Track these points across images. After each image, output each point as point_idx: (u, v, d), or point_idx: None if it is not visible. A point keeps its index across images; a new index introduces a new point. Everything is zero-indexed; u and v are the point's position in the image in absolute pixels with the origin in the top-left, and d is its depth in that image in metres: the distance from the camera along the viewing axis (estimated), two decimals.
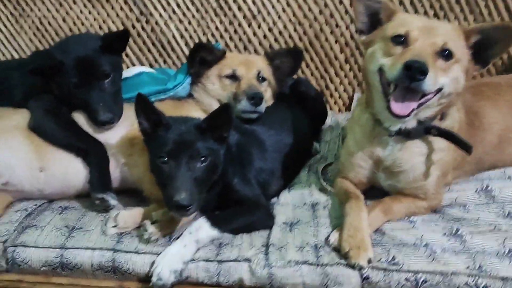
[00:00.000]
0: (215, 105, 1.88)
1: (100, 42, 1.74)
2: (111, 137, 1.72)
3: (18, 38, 2.49)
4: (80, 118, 1.75)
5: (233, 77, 1.87)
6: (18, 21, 2.45)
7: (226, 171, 1.56)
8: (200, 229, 1.43)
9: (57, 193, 1.69)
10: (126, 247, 1.45)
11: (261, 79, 1.91)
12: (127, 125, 1.74)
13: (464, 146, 1.51)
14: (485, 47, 1.47)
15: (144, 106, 1.47)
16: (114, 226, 1.50)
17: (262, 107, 1.81)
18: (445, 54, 1.40)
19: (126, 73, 1.96)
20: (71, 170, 1.66)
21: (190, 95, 1.93)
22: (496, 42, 1.45)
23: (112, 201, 1.60)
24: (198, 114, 1.85)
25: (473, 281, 1.32)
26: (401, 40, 1.42)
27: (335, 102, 2.51)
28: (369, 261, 1.36)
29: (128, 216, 1.52)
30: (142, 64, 2.44)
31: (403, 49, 1.40)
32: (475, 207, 1.62)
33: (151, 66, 2.42)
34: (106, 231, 1.50)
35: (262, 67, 1.93)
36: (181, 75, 1.90)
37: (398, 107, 1.38)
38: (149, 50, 2.48)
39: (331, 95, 2.49)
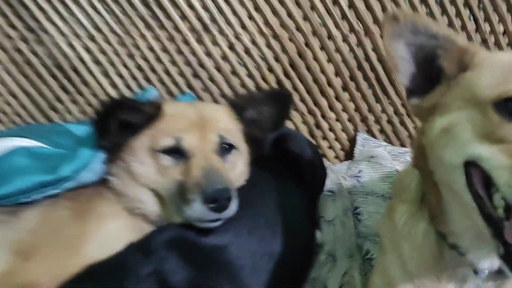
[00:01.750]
0: (149, 203, 1.09)
1: None
2: None
3: None
4: None
5: (177, 152, 1.07)
6: None
7: None
8: None
9: None
10: None
11: (224, 149, 1.12)
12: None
13: None
14: None
15: None
16: None
17: (231, 210, 1.02)
18: None
19: None
20: None
21: (103, 184, 1.11)
22: None
23: None
24: (118, 222, 1.05)
25: None
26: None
27: (330, 146, 1.75)
28: None
29: None
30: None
31: None
32: None
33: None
34: None
35: (225, 127, 1.14)
36: (85, 150, 1.09)
37: None
38: (49, 89, 1.62)
39: (324, 137, 1.73)
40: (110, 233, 1.02)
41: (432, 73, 0.83)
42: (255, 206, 1.13)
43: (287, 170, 1.30)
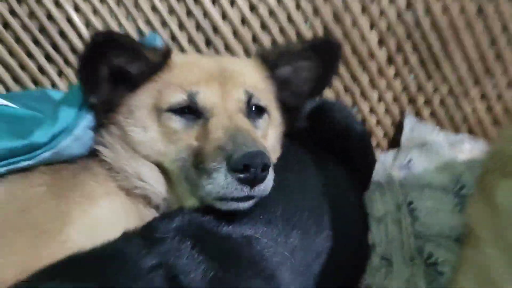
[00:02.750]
0: (155, 179, 0.81)
1: None
2: None
3: None
4: None
5: (190, 111, 0.80)
6: None
7: None
8: None
9: None
10: None
11: (254, 111, 0.84)
12: None
13: None
14: None
15: None
16: None
17: (267, 184, 0.74)
18: None
19: None
20: None
21: (93, 154, 0.84)
22: None
23: None
24: (116, 206, 0.78)
25: None
26: None
27: (370, 132, 1.46)
28: None
29: None
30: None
31: None
32: None
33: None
34: None
35: (254, 85, 0.86)
36: (69, 110, 0.82)
37: None
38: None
39: (363, 120, 1.44)
40: (100, 218, 0.74)
41: None
42: (294, 192, 0.85)
43: (329, 149, 1.02)
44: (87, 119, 0.82)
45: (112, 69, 0.79)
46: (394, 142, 1.44)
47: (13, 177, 0.79)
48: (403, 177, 1.27)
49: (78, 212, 0.73)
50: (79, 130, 0.81)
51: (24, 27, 1.32)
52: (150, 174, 0.80)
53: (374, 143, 1.46)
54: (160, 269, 0.61)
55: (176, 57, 0.86)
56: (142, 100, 0.81)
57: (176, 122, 0.79)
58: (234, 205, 0.72)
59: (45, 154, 0.80)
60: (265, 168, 0.69)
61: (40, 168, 0.81)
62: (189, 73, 0.82)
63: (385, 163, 1.34)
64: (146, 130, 0.80)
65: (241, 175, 0.68)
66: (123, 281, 0.60)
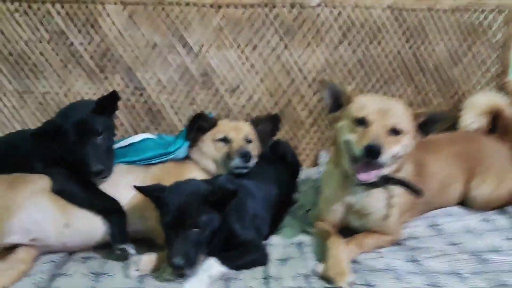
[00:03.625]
0: (211, 165, 2.26)
1: (93, 106, 2.03)
2: (125, 195, 2.00)
3: (22, 112, 2.75)
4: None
5: (225, 140, 2.25)
6: (22, 96, 2.73)
7: (228, 220, 1.87)
8: (212, 267, 1.73)
9: (79, 246, 1.93)
10: (149, 286, 1.71)
11: (248, 141, 2.30)
12: (138, 183, 2.04)
13: (415, 192, 1.93)
14: (429, 123, 1.93)
15: (143, 191, 1.81)
16: (137, 270, 1.76)
17: (252, 163, 2.20)
18: (396, 131, 1.82)
19: (133, 139, 2.31)
20: (92, 225, 1.92)
21: (188, 157, 2.27)
22: (438, 122, 1.94)
23: (131, 250, 1.86)
24: (197, 173, 2.19)
25: None
26: (361, 121, 1.82)
27: (304, 160, 2.92)
28: (350, 284, 1.70)
29: (148, 260, 1.79)
30: (136, 131, 2.77)
31: (364, 130, 1.80)
32: (427, 238, 2.04)
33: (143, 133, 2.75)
34: (129, 275, 1.75)
35: (248, 131, 2.33)
36: (180, 140, 2.25)
37: (363, 176, 1.80)
38: (142, 120, 2.82)
39: (300, 154, 2.90)
40: (195, 175, 2.13)
41: (338, 102, 2.00)
42: (261, 172, 2.27)
43: (277, 161, 2.46)
44: (187, 143, 2.26)
45: (198, 125, 2.24)
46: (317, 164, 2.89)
47: (160, 164, 2.20)
48: (316, 177, 2.70)
49: (187, 173, 2.13)
50: (183, 149, 2.24)
51: None
52: (210, 163, 2.23)
53: (305, 165, 2.91)
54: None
55: (219, 121, 2.32)
56: (208, 137, 2.26)
57: (219, 144, 2.24)
58: (240, 170, 2.16)
59: (171, 155, 2.22)
60: (251, 156, 2.15)
61: (170, 161, 2.22)
62: (224, 127, 2.29)
63: (310, 173, 2.77)
64: (209, 147, 2.24)
65: (243, 158, 2.14)
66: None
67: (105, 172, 2.01)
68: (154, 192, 1.80)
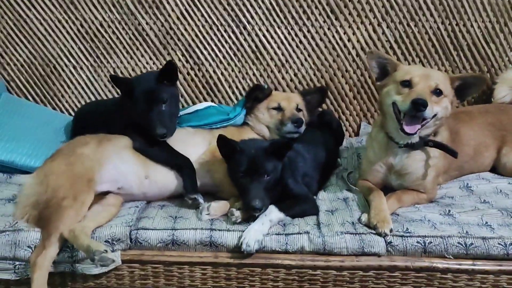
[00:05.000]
0: (265, 130, 2.56)
1: (157, 75, 2.33)
2: (193, 153, 2.33)
3: (95, 84, 3.14)
4: (170, 141, 2.35)
5: (278, 108, 2.54)
6: (96, 70, 3.10)
7: (282, 176, 2.17)
8: (271, 213, 2.04)
9: (156, 195, 2.28)
10: (219, 227, 2.03)
11: (298, 110, 2.58)
12: (205, 144, 2.36)
13: (451, 152, 2.17)
14: (464, 88, 2.15)
15: (223, 143, 2.10)
16: (207, 214, 2.08)
17: (302, 129, 2.48)
18: (437, 92, 2.06)
19: (198, 106, 2.62)
20: (168, 178, 2.26)
21: (245, 123, 2.58)
22: (472, 86, 2.15)
23: (201, 199, 2.18)
24: (253, 136, 2.49)
25: (462, 241, 1.94)
26: (407, 83, 2.07)
27: (346, 129, 3.18)
28: (391, 230, 1.97)
29: (217, 206, 2.11)
30: (194, 102, 3.09)
31: (409, 90, 2.05)
32: (460, 197, 2.29)
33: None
34: (201, 218, 2.08)
35: (298, 101, 2.61)
36: (239, 108, 2.56)
37: (408, 128, 2.02)
38: (200, 92, 3.14)
39: (343, 124, 3.16)
40: (249, 136, 2.43)
41: (385, 71, 2.25)
42: (310, 137, 2.55)
43: (324, 129, 2.73)
44: (244, 111, 2.56)
45: (255, 95, 2.53)
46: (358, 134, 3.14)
47: (220, 129, 2.50)
48: (358, 146, 2.96)
49: (245, 136, 2.42)
50: (242, 115, 2.55)
51: None
52: (264, 128, 2.53)
53: (347, 135, 3.16)
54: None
55: (273, 92, 2.61)
56: (263, 105, 2.56)
57: (273, 112, 2.53)
58: (292, 135, 2.46)
59: (231, 121, 2.52)
60: (302, 122, 2.43)
61: (229, 126, 2.53)
62: (278, 97, 2.58)
63: (352, 142, 3.03)
64: (264, 114, 2.54)
65: (295, 124, 2.43)
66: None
67: (168, 135, 2.31)
68: (232, 143, 2.09)
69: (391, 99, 2.12)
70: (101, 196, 2.16)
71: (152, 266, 2.02)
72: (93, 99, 3.14)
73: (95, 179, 2.12)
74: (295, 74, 3.09)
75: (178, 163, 2.27)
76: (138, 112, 2.31)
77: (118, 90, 2.60)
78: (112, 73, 3.08)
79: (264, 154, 2.07)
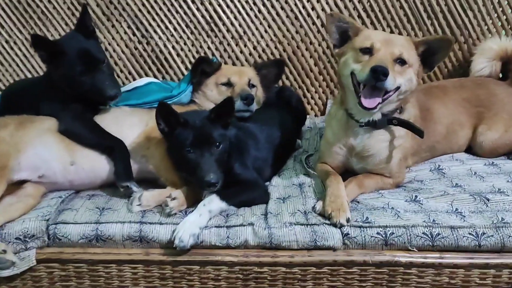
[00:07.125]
0: (208, 104, 2.26)
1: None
2: (129, 136, 2.04)
3: (32, 60, 2.85)
4: (102, 122, 2.06)
5: (228, 84, 2.25)
6: None
7: (228, 159, 1.90)
8: (212, 202, 1.77)
9: (85, 184, 1.99)
10: (150, 220, 1.76)
11: (251, 85, 2.29)
12: (142, 126, 2.08)
13: (417, 131, 1.90)
14: (430, 54, 1.88)
15: (165, 112, 1.81)
16: (139, 205, 1.81)
17: (253, 107, 2.19)
18: (401, 61, 1.79)
19: (137, 83, 2.32)
20: (98, 164, 1.97)
21: (191, 101, 2.29)
22: (438, 51, 1.87)
23: (135, 188, 1.90)
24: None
25: (428, 231, 1.70)
26: (367, 50, 1.80)
27: (311, 108, 2.91)
28: (348, 220, 1.72)
29: (150, 196, 1.84)
30: None
31: (369, 57, 1.78)
32: (429, 181, 2.03)
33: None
34: (132, 209, 1.81)
35: (251, 76, 2.32)
36: (184, 84, 2.26)
37: (367, 102, 1.75)
38: (149, 68, 2.83)
39: (308, 102, 2.89)
40: None
41: (344, 38, 1.96)
42: (264, 115, 2.28)
43: (283, 107, 2.45)
44: (190, 87, 2.27)
45: (201, 70, 2.24)
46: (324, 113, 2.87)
47: None
48: (322, 126, 2.70)
49: None
50: (187, 92, 2.26)
51: None
52: (211, 105, 2.22)
53: (313, 114, 2.89)
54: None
55: (223, 65, 2.32)
56: (211, 81, 2.27)
57: (223, 87, 2.25)
58: (242, 114, 2.17)
59: (175, 99, 2.24)
60: (253, 99, 2.15)
61: (172, 105, 2.23)
62: (228, 71, 2.29)
63: (316, 121, 2.76)
64: (212, 91, 2.26)
65: (244, 101, 2.15)
66: None
67: (118, 95, 2.07)
68: (175, 113, 1.82)
69: (350, 69, 1.84)
70: (17, 185, 1.88)
71: (74, 265, 1.77)
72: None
73: (9, 166, 1.84)
74: (254, 48, 2.80)
75: (110, 146, 1.98)
76: (75, 77, 2.01)
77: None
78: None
79: (208, 122, 1.84)
